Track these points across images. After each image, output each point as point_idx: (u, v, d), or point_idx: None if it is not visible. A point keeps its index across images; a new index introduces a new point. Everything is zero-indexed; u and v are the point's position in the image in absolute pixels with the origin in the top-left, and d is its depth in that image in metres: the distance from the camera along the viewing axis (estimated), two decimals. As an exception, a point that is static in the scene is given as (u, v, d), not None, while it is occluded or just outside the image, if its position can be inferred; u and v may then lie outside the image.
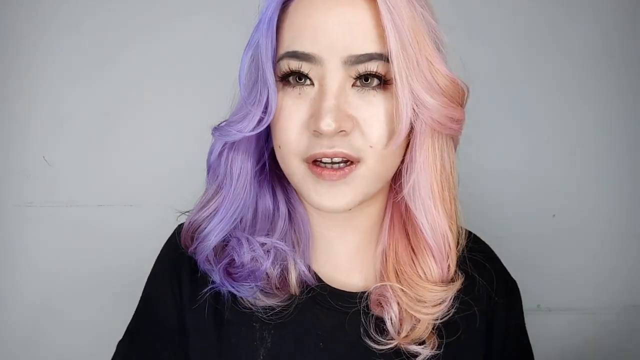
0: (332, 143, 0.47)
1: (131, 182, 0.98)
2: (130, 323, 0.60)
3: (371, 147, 0.48)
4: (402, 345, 0.53)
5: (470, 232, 0.61)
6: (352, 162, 0.49)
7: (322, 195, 0.49)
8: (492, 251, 0.65)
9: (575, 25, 0.99)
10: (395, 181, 0.55)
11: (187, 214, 0.60)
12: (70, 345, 0.99)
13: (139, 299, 0.60)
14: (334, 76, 0.47)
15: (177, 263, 0.58)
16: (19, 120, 0.95)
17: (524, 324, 0.64)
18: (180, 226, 0.61)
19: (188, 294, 0.57)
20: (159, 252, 0.61)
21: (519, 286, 0.63)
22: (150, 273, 0.61)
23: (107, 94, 0.96)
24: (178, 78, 0.95)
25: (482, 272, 0.59)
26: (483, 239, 0.65)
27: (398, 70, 0.46)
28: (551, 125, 1.01)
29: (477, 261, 0.59)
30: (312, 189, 0.50)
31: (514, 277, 0.64)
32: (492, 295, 0.59)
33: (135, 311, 0.60)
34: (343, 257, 0.58)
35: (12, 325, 0.98)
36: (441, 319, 0.54)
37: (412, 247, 0.56)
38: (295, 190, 0.56)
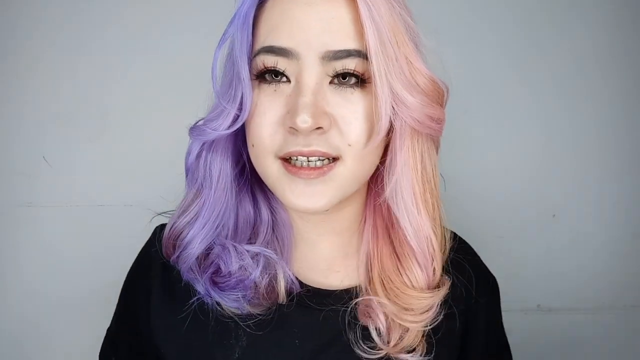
0: (308, 141, 0.46)
1: (131, 182, 0.97)
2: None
3: (350, 145, 0.47)
4: (392, 355, 0.53)
5: (454, 234, 0.61)
6: (330, 160, 0.48)
7: (299, 196, 0.48)
8: (472, 249, 0.65)
9: (576, 24, 0.99)
10: (377, 183, 0.54)
11: (163, 215, 0.59)
12: (69, 344, 0.99)
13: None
14: (310, 72, 0.46)
15: (147, 273, 0.58)
16: (18, 120, 0.95)
17: (502, 319, 0.65)
18: (160, 229, 0.60)
19: (160, 301, 0.56)
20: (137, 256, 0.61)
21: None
22: (125, 279, 0.62)
23: (107, 94, 0.96)
24: (178, 77, 0.95)
25: (462, 272, 0.59)
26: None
27: (377, 67, 0.45)
28: (551, 125, 1.00)
29: (458, 262, 0.59)
30: (288, 188, 0.48)
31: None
32: (473, 295, 0.59)
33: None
34: (323, 258, 0.58)
35: (12, 324, 0.98)
36: (430, 325, 0.53)
37: (396, 254, 0.56)
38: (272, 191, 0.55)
